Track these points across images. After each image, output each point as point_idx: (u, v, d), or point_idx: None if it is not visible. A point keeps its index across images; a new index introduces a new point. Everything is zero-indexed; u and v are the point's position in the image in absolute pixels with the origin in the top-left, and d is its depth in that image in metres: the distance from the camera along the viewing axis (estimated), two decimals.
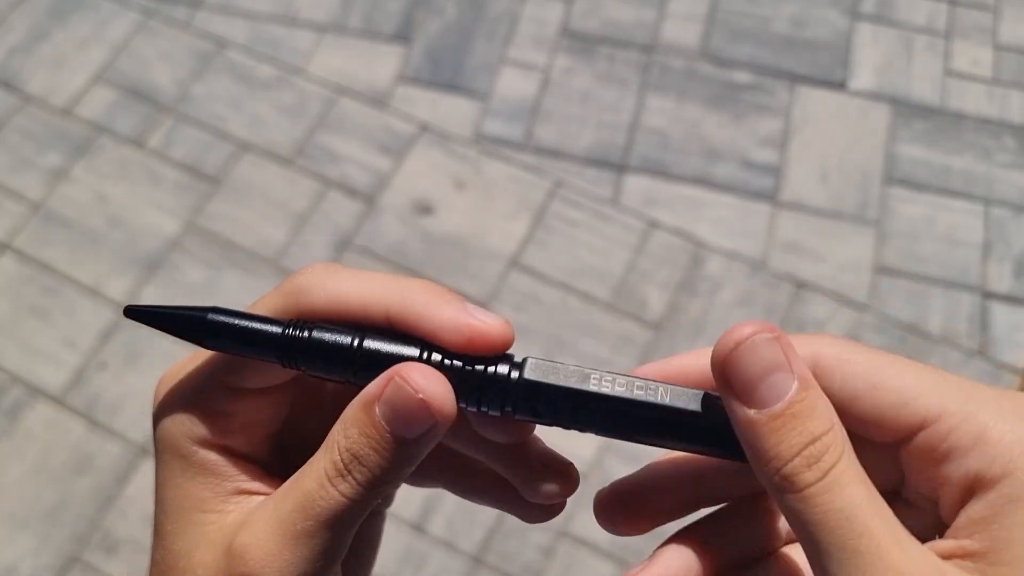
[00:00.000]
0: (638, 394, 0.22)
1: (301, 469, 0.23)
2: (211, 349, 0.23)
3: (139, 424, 1.15)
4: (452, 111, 1.40)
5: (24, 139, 1.38)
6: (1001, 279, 1.27)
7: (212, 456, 0.24)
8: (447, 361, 0.22)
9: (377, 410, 0.21)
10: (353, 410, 0.22)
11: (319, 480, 0.22)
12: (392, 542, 1.07)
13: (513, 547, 1.08)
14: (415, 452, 0.22)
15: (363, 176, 1.34)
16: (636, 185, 1.34)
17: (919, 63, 1.46)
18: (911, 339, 1.23)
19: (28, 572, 1.07)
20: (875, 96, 1.43)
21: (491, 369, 0.22)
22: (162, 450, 0.24)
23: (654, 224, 1.31)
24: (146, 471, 1.13)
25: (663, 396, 0.22)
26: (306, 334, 0.22)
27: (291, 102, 1.41)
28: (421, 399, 0.21)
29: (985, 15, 1.51)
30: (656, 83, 1.44)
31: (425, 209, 1.31)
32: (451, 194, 1.33)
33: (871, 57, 1.47)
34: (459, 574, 1.07)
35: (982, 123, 1.41)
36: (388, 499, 0.30)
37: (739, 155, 1.37)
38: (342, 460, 0.22)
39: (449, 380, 0.22)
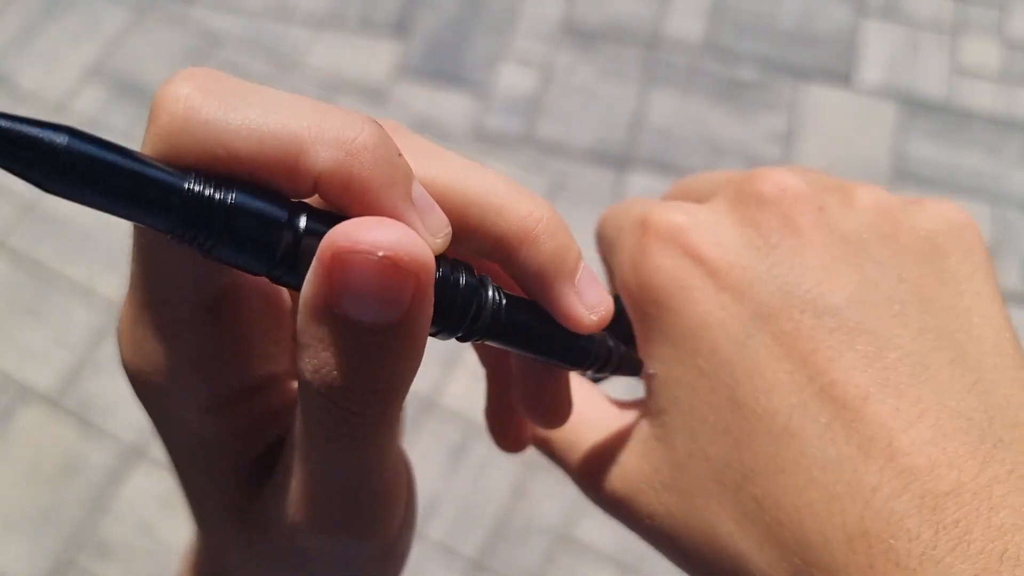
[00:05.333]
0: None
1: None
2: (57, 193, 0.13)
3: (133, 426, 1.14)
4: (451, 107, 1.39)
5: None
6: (1008, 278, 1.26)
7: None
8: None
9: (340, 306, 0.14)
10: (307, 333, 0.15)
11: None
12: None
13: (514, 552, 1.06)
14: (412, 331, 0.15)
15: None
16: (639, 182, 1.32)
17: (926, 59, 1.45)
18: None
19: None
20: (882, 93, 1.41)
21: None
22: None
23: None
24: (141, 473, 1.11)
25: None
26: (227, 196, 0.14)
27: None
28: (383, 257, 0.14)
29: (992, 11, 1.49)
30: (659, 78, 1.42)
31: None
32: None
33: (877, 53, 1.45)
34: None
35: (990, 120, 1.39)
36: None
37: (744, 152, 1.36)
38: (333, 413, 0.16)
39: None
